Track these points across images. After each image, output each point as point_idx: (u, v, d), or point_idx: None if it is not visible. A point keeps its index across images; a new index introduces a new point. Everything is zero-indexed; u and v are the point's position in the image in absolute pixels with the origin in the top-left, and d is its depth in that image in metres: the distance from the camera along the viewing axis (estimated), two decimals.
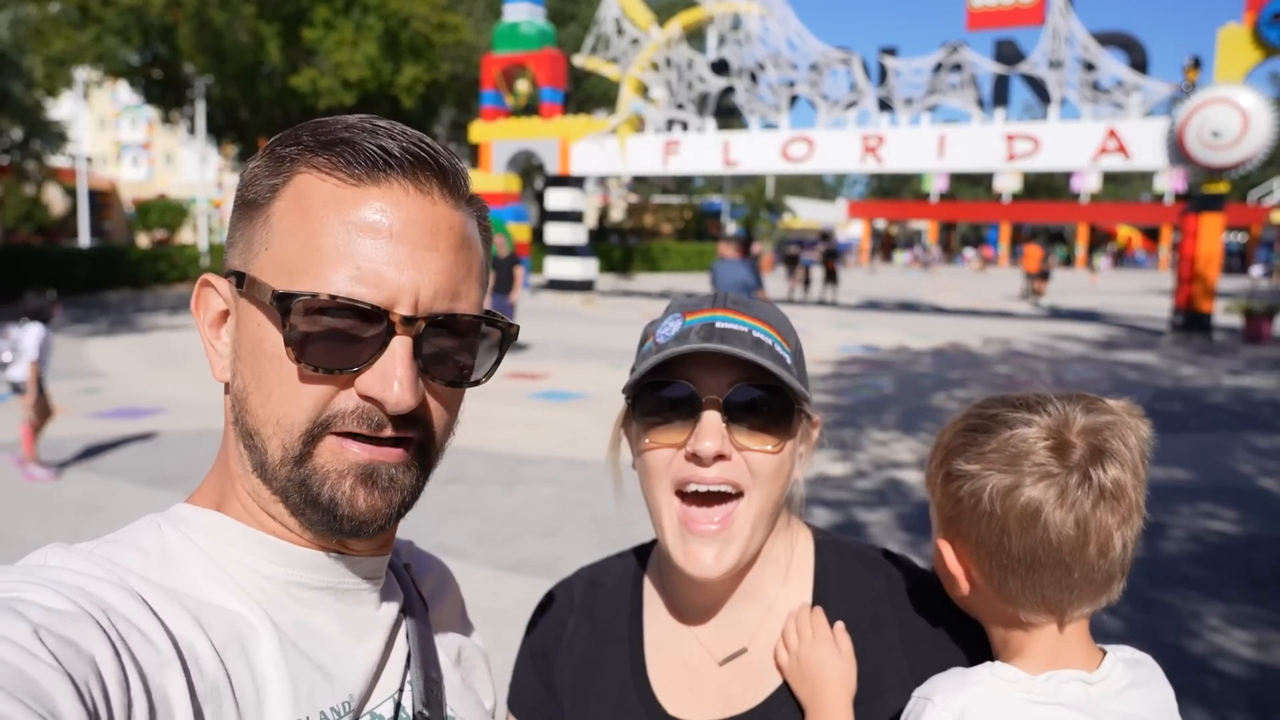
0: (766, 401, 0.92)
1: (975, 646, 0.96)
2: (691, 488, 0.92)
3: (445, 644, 0.84)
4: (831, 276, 26.39)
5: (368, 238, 0.64)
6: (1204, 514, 6.33)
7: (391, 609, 0.76)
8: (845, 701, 0.92)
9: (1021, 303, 27.23)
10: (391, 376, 0.64)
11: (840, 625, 0.97)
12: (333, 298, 0.63)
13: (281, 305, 0.63)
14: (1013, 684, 0.86)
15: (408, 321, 0.65)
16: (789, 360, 0.95)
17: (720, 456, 0.91)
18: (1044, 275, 27.88)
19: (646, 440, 0.95)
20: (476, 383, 0.72)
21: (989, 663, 0.90)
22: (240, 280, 0.67)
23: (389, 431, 0.66)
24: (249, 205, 0.69)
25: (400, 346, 0.65)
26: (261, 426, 0.66)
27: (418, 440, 0.69)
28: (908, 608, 1.00)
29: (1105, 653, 0.90)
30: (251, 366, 0.67)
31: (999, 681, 0.86)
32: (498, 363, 0.73)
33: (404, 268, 0.65)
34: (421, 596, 0.84)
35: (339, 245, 0.64)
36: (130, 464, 7.38)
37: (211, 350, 0.70)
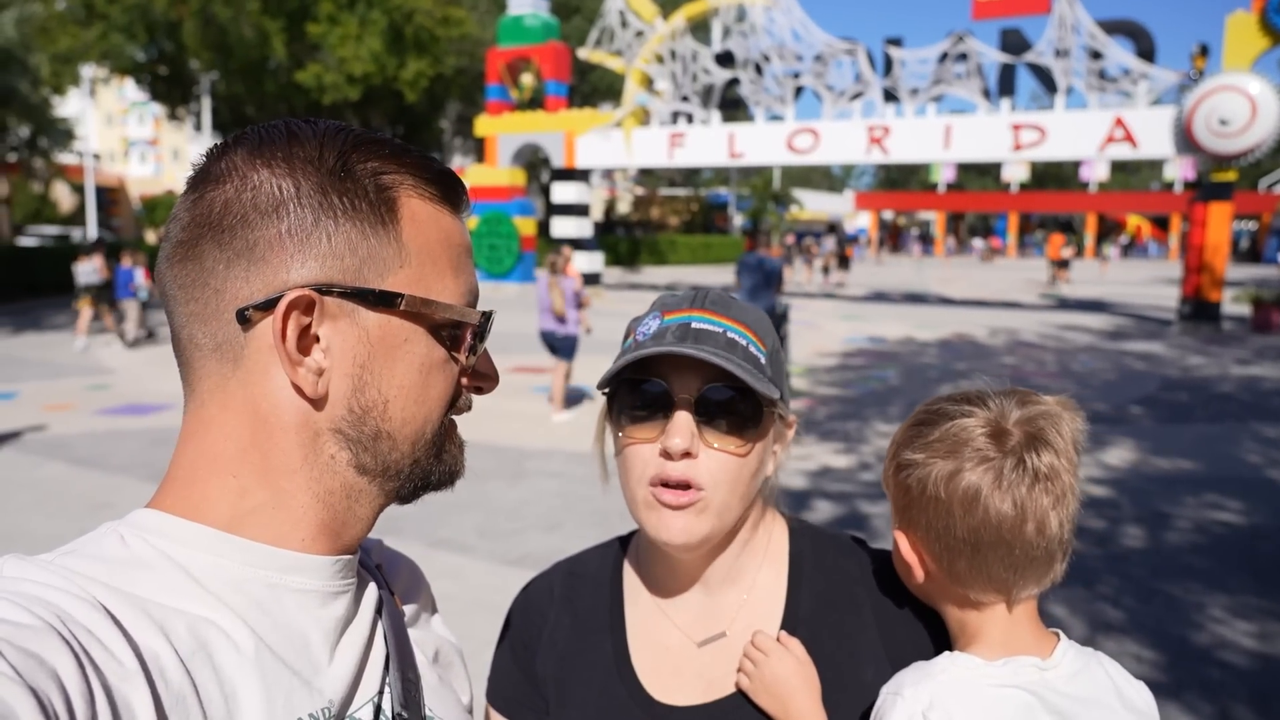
0: (737, 402, 0.95)
1: (943, 624, 1.01)
2: (662, 479, 0.97)
3: (421, 643, 0.84)
4: (844, 262, 26.82)
5: (466, 258, 0.78)
6: (1209, 504, 6.32)
7: (368, 611, 0.77)
8: (815, 703, 0.97)
9: (1049, 288, 28.51)
10: (492, 364, 0.81)
11: (784, 634, 1.00)
12: (491, 311, 0.78)
13: (485, 324, 0.77)
14: (973, 670, 0.93)
15: (491, 319, 0.80)
16: (763, 360, 0.98)
17: (687, 454, 0.95)
18: (1064, 264, 29.36)
19: (622, 435, 0.99)
20: None
21: (948, 653, 0.96)
22: (386, 298, 0.70)
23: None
24: (360, 217, 0.69)
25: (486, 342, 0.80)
26: (400, 428, 0.73)
27: None
28: (879, 588, 1.04)
29: (1059, 637, 0.97)
30: (395, 376, 0.72)
31: (960, 670, 0.93)
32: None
33: (476, 278, 0.80)
34: (395, 597, 0.85)
35: (455, 265, 0.76)
36: (138, 460, 7.41)
37: (296, 369, 0.67)
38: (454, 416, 0.79)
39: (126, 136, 73.64)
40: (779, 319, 10.10)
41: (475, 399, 0.82)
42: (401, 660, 0.77)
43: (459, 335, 0.75)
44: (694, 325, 0.97)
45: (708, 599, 1.05)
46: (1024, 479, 0.90)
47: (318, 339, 0.67)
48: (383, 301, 0.69)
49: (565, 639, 1.10)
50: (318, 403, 0.68)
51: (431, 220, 0.73)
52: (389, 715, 0.73)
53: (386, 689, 0.75)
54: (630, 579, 1.11)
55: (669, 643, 1.05)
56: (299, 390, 0.67)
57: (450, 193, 0.76)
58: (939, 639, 1.01)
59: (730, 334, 0.96)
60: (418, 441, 0.74)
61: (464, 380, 0.78)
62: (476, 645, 1.67)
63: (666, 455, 0.95)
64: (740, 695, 1.00)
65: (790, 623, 1.03)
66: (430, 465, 0.76)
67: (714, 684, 1.01)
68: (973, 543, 0.91)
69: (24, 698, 0.48)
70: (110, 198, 42.62)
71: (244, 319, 0.66)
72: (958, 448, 0.93)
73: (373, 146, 0.72)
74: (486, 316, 0.77)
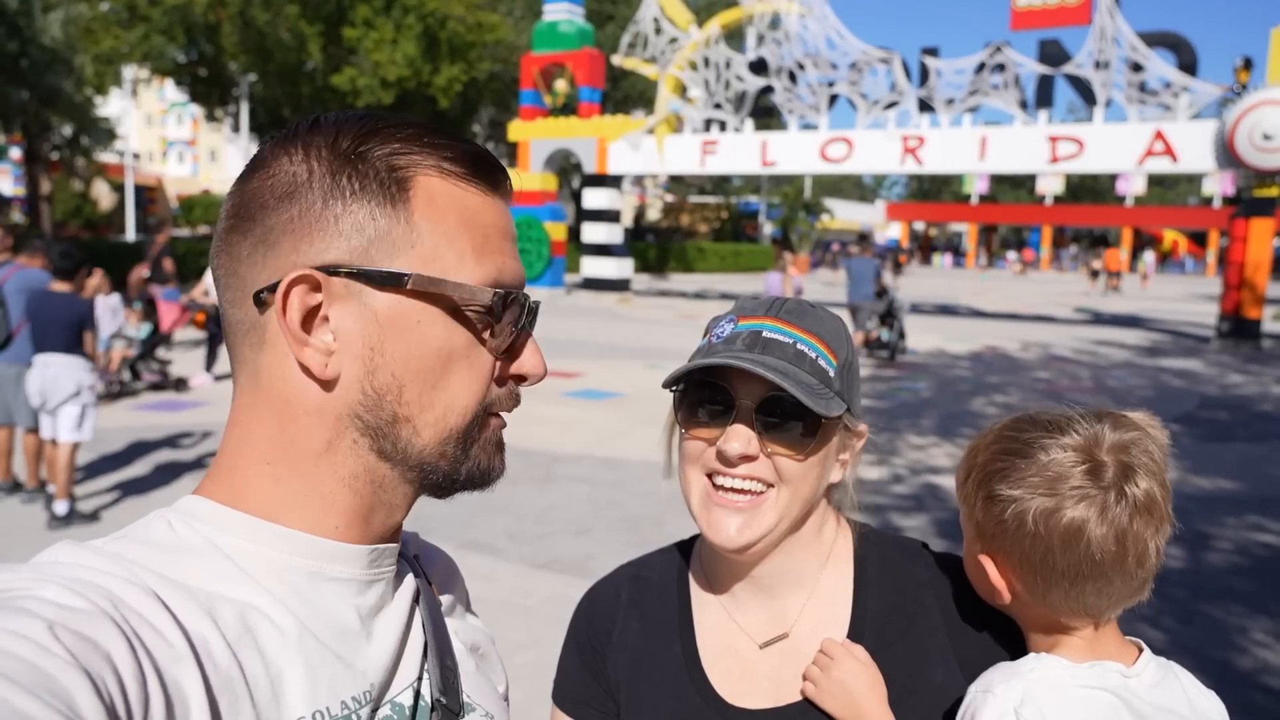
0: (798, 412, 0.96)
1: (1013, 627, 1.02)
2: (719, 480, 0.99)
3: (457, 632, 0.85)
4: (898, 268, 28.43)
5: (498, 238, 0.74)
6: (1251, 525, 6.18)
7: (405, 599, 0.78)
8: (882, 707, 0.98)
9: (1101, 296, 32.11)
10: (539, 354, 0.77)
11: (846, 641, 1.01)
12: (520, 293, 0.74)
13: (503, 303, 0.72)
14: (1061, 670, 0.94)
15: (532, 308, 0.76)
16: (832, 374, 0.99)
17: (746, 458, 0.97)
18: (1117, 274, 33.93)
19: (685, 431, 1.02)
20: None
21: (1034, 654, 0.98)
22: (393, 278, 0.68)
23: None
24: (369, 197, 0.68)
25: (531, 329, 0.77)
26: (422, 414, 0.70)
27: None
28: (948, 591, 1.05)
29: (1140, 647, 0.99)
30: (409, 359, 0.69)
31: (1049, 670, 0.94)
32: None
33: (517, 262, 0.76)
34: (432, 586, 0.86)
35: (479, 246, 0.72)
36: (173, 456, 7.51)
37: (302, 349, 0.67)
38: (499, 412, 0.76)
39: (165, 137, 74.85)
40: (893, 309, 13.91)
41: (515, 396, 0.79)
42: (440, 647, 0.78)
43: (483, 319, 0.71)
44: (765, 334, 0.99)
45: (772, 602, 1.06)
46: (1125, 511, 0.91)
47: (328, 320, 0.68)
48: (389, 282, 0.68)
49: (635, 642, 1.11)
50: (329, 384, 0.68)
51: (452, 200, 0.71)
52: (428, 701, 0.75)
53: (425, 675, 0.76)
54: (696, 582, 1.13)
55: (738, 646, 1.06)
56: (308, 372, 0.68)
57: (480, 172, 0.73)
58: (1008, 642, 1.02)
59: (800, 345, 0.98)
60: (441, 430, 0.71)
61: (504, 372, 0.75)
62: (506, 648, 1.66)
63: (724, 459, 0.97)
64: (809, 701, 1.01)
65: (857, 626, 1.04)
66: (457, 458, 0.73)
67: (783, 687, 1.03)
68: (1072, 576, 0.92)
69: (79, 680, 0.50)
70: (148, 197, 43.29)
71: (259, 302, 0.68)
72: (1055, 484, 0.92)
73: (394, 130, 0.71)
74: (504, 296, 0.72)
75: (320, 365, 0.68)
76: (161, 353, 10.76)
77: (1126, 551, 0.91)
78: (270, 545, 0.68)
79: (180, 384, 10.38)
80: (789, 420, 0.96)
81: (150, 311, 10.80)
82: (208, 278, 10.72)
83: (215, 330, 10.64)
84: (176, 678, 0.56)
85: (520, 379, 0.76)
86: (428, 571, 0.87)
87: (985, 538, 0.98)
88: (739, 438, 0.96)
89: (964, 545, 1.04)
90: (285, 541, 0.69)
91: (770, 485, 0.97)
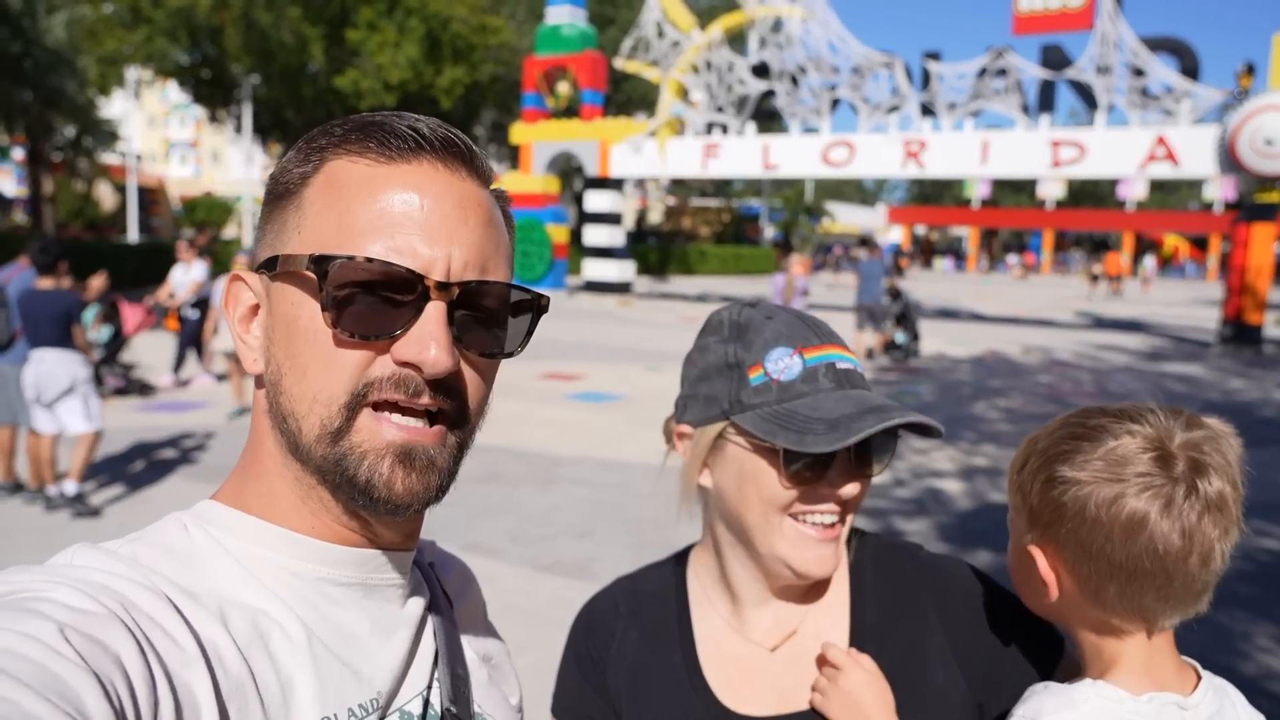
0: (892, 442, 1.01)
1: (1010, 625, 1.01)
2: (807, 518, 0.99)
3: (470, 642, 0.84)
4: (899, 272, 28.17)
5: (400, 211, 0.65)
6: (1254, 531, 6.17)
7: (418, 606, 0.77)
8: (890, 715, 0.97)
9: (1104, 299, 32.77)
10: (429, 339, 0.64)
11: (854, 651, 1.01)
12: (369, 260, 0.64)
13: (319, 269, 0.64)
14: (1117, 704, 0.89)
15: (442, 287, 0.65)
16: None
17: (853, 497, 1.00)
18: (1118, 278, 35.54)
19: (783, 480, 0.97)
20: (510, 354, 0.72)
21: (1091, 681, 0.92)
22: (272, 264, 0.67)
23: (425, 399, 0.66)
24: (280, 196, 0.70)
25: (435, 310, 0.65)
26: (296, 405, 0.66)
27: (452, 415, 0.68)
28: (944, 591, 1.05)
29: (1198, 673, 0.93)
30: (285, 347, 0.67)
31: (1104, 701, 0.89)
32: (529, 334, 0.73)
33: (436, 238, 0.66)
34: (447, 595, 0.85)
35: (372, 220, 0.65)
36: (176, 457, 7.51)
37: (242, 345, 0.71)
38: (384, 396, 0.65)
39: (168, 138, 74.91)
40: (908, 311, 14.57)
41: (492, 391, 0.72)
42: (451, 657, 0.77)
43: (322, 290, 0.64)
44: (839, 365, 1.00)
45: (776, 609, 1.06)
46: (1195, 507, 0.85)
47: (255, 316, 0.71)
48: (266, 267, 0.68)
49: (634, 653, 1.11)
50: (259, 382, 0.70)
51: (355, 177, 0.66)
52: (438, 710, 0.74)
53: (435, 684, 0.75)
54: (695, 593, 1.12)
55: (739, 653, 1.06)
56: (249, 369, 0.70)
57: (375, 140, 0.66)
58: (1007, 640, 1.00)
59: (859, 368, 1.02)
60: (314, 423, 0.65)
61: (393, 353, 0.65)
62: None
63: (828, 499, 0.98)
64: (813, 709, 1.01)
65: (858, 631, 1.04)
66: (337, 458, 0.65)
67: (786, 694, 1.02)
68: (1130, 570, 0.87)
69: (89, 682, 0.50)
70: (151, 198, 43.35)
71: None
72: (1121, 469, 0.87)
73: (340, 124, 0.70)
74: (323, 260, 0.63)
75: (250, 360, 0.70)
76: (126, 356, 10.33)
77: (1191, 550, 0.85)
78: (274, 549, 0.68)
79: (146, 389, 10.07)
80: (885, 452, 1.00)
81: (112, 314, 10.13)
82: (173, 277, 10.58)
83: (185, 331, 10.44)
84: (187, 681, 0.56)
85: (409, 365, 0.65)
86: (443, 579, 0.87)
87: (1039, 526, 0.93)
88: (855, 481, 0.98)
89: (1010, 542, 1.00)
90: (288, 545, 0.68)
91: (848, 511, 1.01)
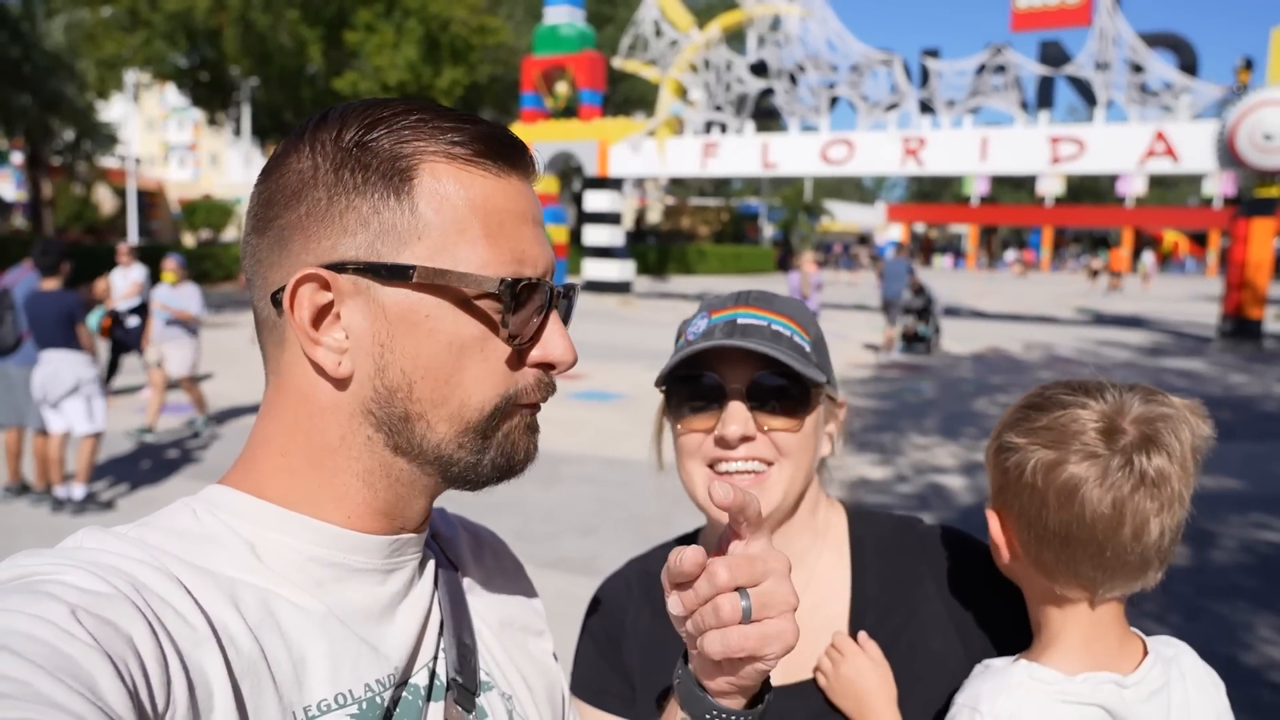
0: (786, 387, 1.01)
1: (1006, 595, 1.02)
2: (722, 467, 1.02)
3: (487, 607, 0.84)
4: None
5: (515, 222, 0.70)
6: (1255, 524, 6.19)
7: (429, 580, 0.78)
8: (890, 706, 0.99)
9: (1105, 295, 33.17)
10: (565, 340, 0.73)
11: (864, 635, 1.03)
12: (539, 280, 0.70)
13: (511, 292, 0.68)
14: (1050, 685, 0.91)
15: (560, 292, 0.73)
16: (808, 349, 1.04)
17: (745, 439, 1.00)
18: (1119, 273, 36.49)
19: (680, 426, 1.06)
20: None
21: (1026, 663, 0.94)
22: (399, 271, 0.66)
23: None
24: (372, 190, 0.66)
25: (558, 313, 0.73)
26: (430, 410, 0.68)
27: None
28: (941, 560, 1.08)
29: (1145, 648, 0.95)
30: (419, 355, 0.67)
31: (1037, 684, 0.91)
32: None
33: (542, 246, 0.72)
34: (452, 562, 0.85)
35: (492, 231, 0.68)
36: (178, 458, 7.53)
37: (315, 348, 0.67)
38: (528, 402, 0.72)
39: (166, 141, 74.90)
40: (930, 306, 15.18)
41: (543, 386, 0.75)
42: (457, 625, 0.78)
43: (496, 309, 0.68)
44: (740, 321, 1.04)
45: None
46: (1128, 480, 0.86)
47: (339, 318, 0.67)
48: (395, 276, 0.66)
49: (647, 629, 1.14)
50: (342, 383, 0.68)
51: (462, 185, 0.67)
52: (443, 680, 0.75)
53: (440, 654, 0.76)
54: None
55: None
56: (321, 370, 0.68)
57: (491, 152, 0.69)
58: (1005, 607, 1.02)
59: (775, 326, 1.03)
60: (458, 425, 0.69)
61: (528, 360, 0.71)
62: None
63: (724, 443, 1.00)
64: (809, 684, 1.04)
65: (858, 605, 1.07)
66: (477, 451, 0.70)
67: (789, 665, 1.04)
68: (1063, 536, 0.89)
69: (102, 663, 0.50)
70: (150, 201, 43.34)
71: (276, 302, 0.68)
72: (1065, 438, 0.89)
73: (399, 116, 0.68)
74: (513, 285, 0.67)
75: (333, 364, 0.67)
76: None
77: (1123, 521, 0.86)
78: (290, 534, 0.68)
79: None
80: (780, 396, 1.01)
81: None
82: (113, 278, 9.52)
83: (120, 336, 9.34)
84: (199, 661, 0.57)
85: (549, 366, 0.72)
86: (446, 547, 0.86)
87: (994, 490, 0.97)
88: (736, 419, 0.99)
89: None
90: (306, 530, 0.68)
91: (770, 463, 1.01)
